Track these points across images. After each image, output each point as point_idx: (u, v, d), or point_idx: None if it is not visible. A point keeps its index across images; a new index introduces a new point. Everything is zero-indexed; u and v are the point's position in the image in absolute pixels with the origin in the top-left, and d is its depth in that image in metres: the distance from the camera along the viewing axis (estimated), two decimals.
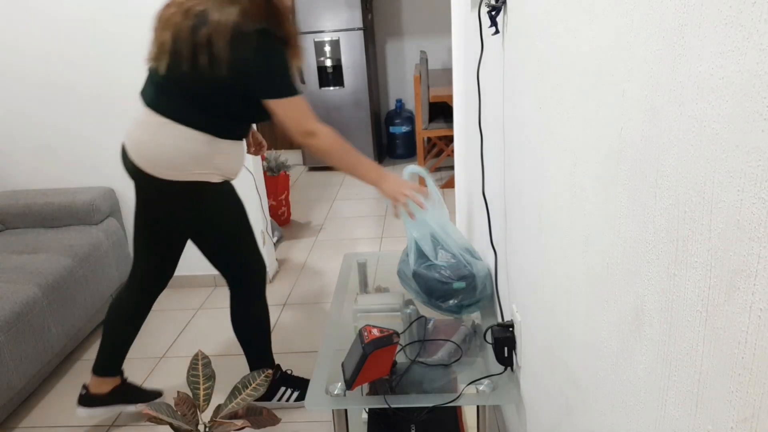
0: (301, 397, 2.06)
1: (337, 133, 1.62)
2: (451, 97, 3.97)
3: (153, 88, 1.65)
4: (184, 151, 1.61)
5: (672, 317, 0.54)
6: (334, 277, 3.07)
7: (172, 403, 1.59)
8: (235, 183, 2.86)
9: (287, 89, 1.55)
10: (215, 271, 3.04)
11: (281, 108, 1.56)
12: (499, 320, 1.48)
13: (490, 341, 1.39)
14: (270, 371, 1.65)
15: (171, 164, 1.63)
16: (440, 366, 1.44)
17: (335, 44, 4.43)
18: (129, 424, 2.09)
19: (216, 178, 1.69)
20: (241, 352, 2.45)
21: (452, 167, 2.93)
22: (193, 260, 3.05)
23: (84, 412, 1.99)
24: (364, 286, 1.95)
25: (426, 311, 1.63)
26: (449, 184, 4.24)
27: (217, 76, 1.51)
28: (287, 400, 2.07)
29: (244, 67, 1.51)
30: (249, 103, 1.59)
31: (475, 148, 1.89)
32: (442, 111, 4.35)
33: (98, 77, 2.74)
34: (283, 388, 2.06)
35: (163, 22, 1.56)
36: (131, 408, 2.01)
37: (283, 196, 3.71)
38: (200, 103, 1.59)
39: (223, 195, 1.74)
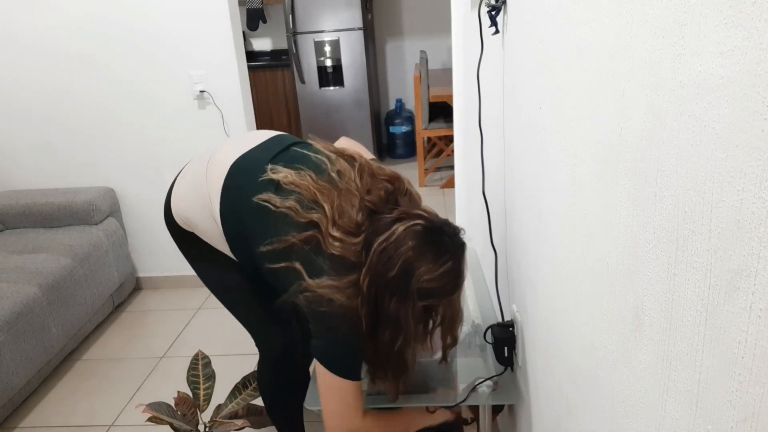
0: None
1: (381, 418, 1.32)
2: (451, 97, 3.97)
3: (242, 196, 1.31)
4: (192, 202, 1.41)
5: (672, 317, 0.54)
6: None
7: (172, 403, 1.59)
8: None
9: (341, 370, 1.23)
10: None
11: (322, 375, 1.24)
12: (499, 320, 1.48)
13: (490, 341, 1.38)
14: None
15: (178, 197, 1.45)
16: (440, 365, 1.44)
17: (335, 44, 4.43)
18: (129, 424, 2.09)
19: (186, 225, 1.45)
20: (241, 352, 2.45)
21: (452, 167, 2.93)
22: None
23: None
24: None
25: None
26: (449, 184, 4.24)
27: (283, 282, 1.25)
28: None
29: (310, 318, 1.23)
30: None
31: (475, 148, 1.89)
32: (442, 111, 4.35)
33: (100, 77, 2.74)
34: None
35: (303, 192, 1.23)
36: None
37: None
38: (254, 262, 1.32)
39: (204, 253, 1.47)
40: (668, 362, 0.55)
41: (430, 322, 1.30)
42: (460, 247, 1.20)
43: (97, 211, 2.74)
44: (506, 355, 1.36)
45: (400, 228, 1.15)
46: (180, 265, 3.07)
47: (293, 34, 4.42)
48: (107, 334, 2.71)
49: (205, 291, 2.98)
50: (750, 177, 0.41)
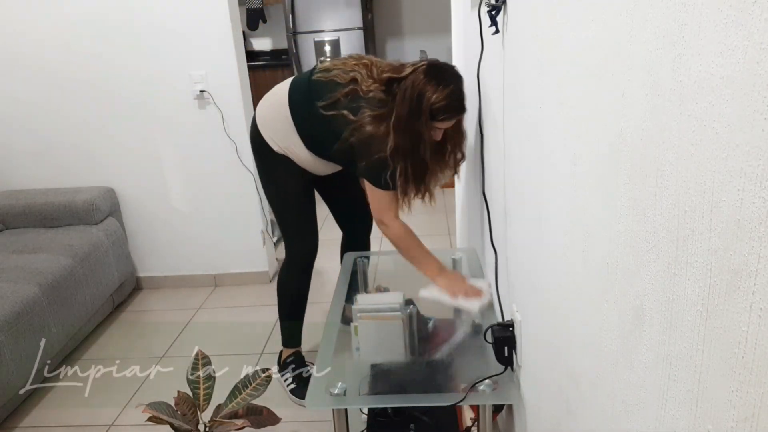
0: (294, 392, 2.15)
1: (408, 231, 1.79)
2: None
3: (304, 83, 1.87)
4: (272, 120, 1.91)
5: (672, 317, 0.54)
6: (334, 277, 3.07)
7: (172, 403, 1.59)
8: (234, 181, 2.86)
9: (379, 182, 1.74)
10: (215, 271, 3.06)
11: (369, 190, 1.79)
12: (499, 320, 1.48)
13: (490, 341, 1.38)
14: (270, 371, 1.65)
15: (262, 119, 1.94)
16: (440, 365, 1.44)
17: (335, 44, 4.43)
18: (129, 424, 2.09)
19: (275, 146, 1.92)
20: (241, 352, 2.45)
21: None
22: (193, 260, 3.05)
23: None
24: (364, 286, 1.95)
25: (426, 310, 1.63)
26: (449, 184, 4.23)
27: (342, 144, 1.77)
28: (285, 385, 2.20)
29: (358, 151, 1.74)
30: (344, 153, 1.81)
31: (476, 148, 1.89)
32: None
33: (100, 77, 2.74)
34: (289, 374, 2.22)
35: (344, 67, 1.79)
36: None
37: None
38: (314, 125, 1.83)
39: (278, 166, 1.95)
40: (668, 362, 0.55)
41: (446, 146, 1.78)
42: (458, 75, 1.67)
43: (97, 211, 2.74)
44: (506, 355, 1.36)
45: (410, 69, 1.66)
46: (180, 265, 3.07)
47: (293, 33, 4.42)
48: (107, 334, 2.71)
49: (205, 291, 2.99)
50: (750, 177, 0.41)
